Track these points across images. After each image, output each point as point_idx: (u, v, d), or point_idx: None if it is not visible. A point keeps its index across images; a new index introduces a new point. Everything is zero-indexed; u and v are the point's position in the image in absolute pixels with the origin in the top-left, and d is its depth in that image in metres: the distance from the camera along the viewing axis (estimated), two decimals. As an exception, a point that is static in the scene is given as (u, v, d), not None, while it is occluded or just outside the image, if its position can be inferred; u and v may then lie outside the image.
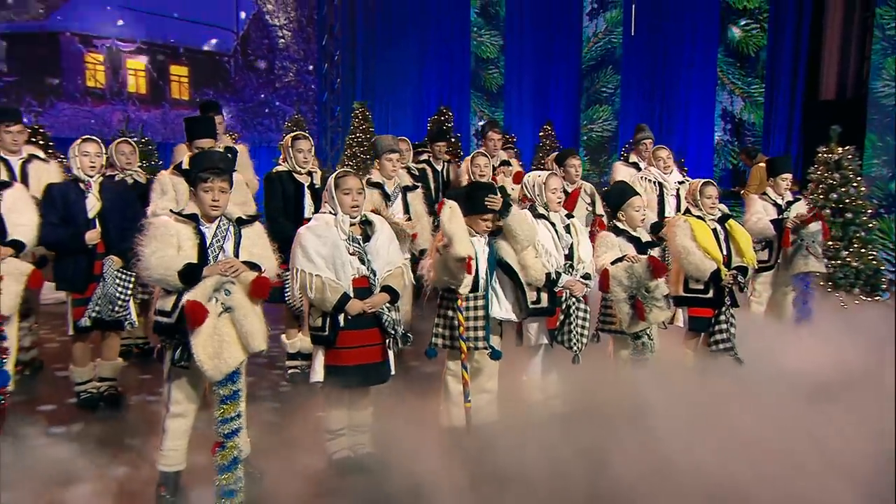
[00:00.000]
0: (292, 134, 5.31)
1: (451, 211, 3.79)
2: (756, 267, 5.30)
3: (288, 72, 14.90)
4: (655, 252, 4.68)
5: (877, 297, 7.03)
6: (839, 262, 6.99)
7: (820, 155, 7.28)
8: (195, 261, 3.14)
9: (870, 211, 7.19)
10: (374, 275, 3.56)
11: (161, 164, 9.55)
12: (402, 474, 3.41)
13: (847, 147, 7.16)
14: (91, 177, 4.48)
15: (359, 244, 3.54)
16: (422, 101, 14.78)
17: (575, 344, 4.14)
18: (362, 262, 3.54)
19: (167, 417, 3.29)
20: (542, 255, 4.14)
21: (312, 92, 15.17)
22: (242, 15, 14.28)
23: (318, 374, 3.51)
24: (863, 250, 7.02)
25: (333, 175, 3.62)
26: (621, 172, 6.95)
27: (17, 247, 4.20)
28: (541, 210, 4.28)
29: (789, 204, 6.10)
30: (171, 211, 3.29)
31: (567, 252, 4.27)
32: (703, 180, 5.17)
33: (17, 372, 5.10)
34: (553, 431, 3.81)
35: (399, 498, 3.28)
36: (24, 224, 4.27)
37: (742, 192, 8.93)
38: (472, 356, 3.93)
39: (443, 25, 14.57)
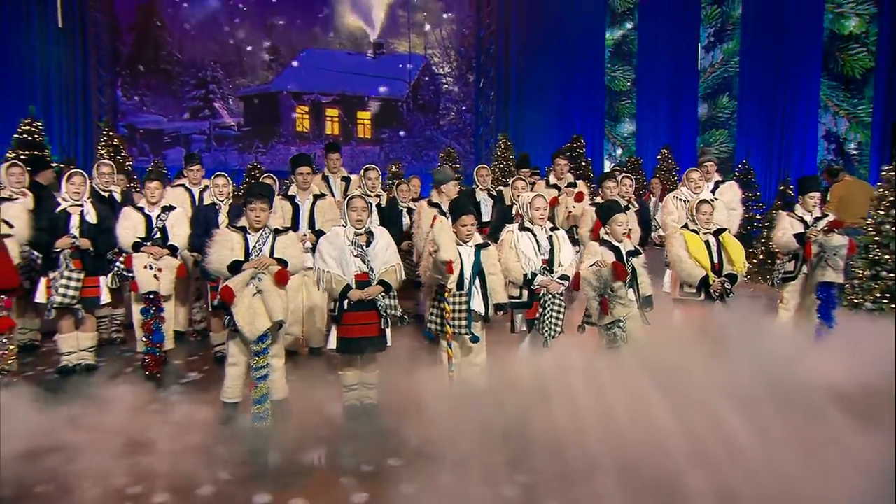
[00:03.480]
0: (366, 166, 6.15)
1: (442, 224, 4.41)
2: (745, 274, 5.21)
3: (450, 111, 16.01)
4: (640, 260, 4.89)
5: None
6: (897, 275, 6.41)
7: (884, 173, 6.74)
8: (242, 259, 4.09)
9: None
10: (373, 272, 4.23)
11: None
12: (391, 419, 4.15)
13: (913, 165, 6.55)
14: (221, 201, 5.68)
15: (362, 248, 4.25)
16: (564, 130, 15.12)
17: (547, 332, 4.52)
18: (363, 262, 4.24)
19: (227, 365, 4.26)
20: (521, 260, 4.60)
21: (470, 127, 16.15)
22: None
23: (331, 342, 4.29)
24: (923, 265, 6.37)
25: (347, 197, 4.39)
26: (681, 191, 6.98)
27: (173, 250, 5.50)
28: (527, 224, 4.73)
29: (816, 220, 5.82)
30: (228, 224, 4.25)
31: (548, 257, 4.67)
32: (699, 198, 5.25)
33: (193, 337, 6.53)
34: (522, 399, 4.26)
35: (382, 433, 4.01)
36: (179, 235, 5.56)
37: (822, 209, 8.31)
38: (460, 338, 4.48)
39: (581, 64, 14.82)
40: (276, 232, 4.27)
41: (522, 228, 4.71)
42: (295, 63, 14.83)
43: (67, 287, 5.05)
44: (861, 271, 6.61)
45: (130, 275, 5.31)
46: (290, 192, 5.91)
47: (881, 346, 4.79)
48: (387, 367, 4.51)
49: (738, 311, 4.90)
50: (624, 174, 7.25)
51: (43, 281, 5.05)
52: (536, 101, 15.41)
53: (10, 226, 4.84)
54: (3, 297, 4.77)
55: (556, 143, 14.86)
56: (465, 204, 4.62)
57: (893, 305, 6.36)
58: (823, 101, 9.82)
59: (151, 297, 5.26)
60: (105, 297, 5.38)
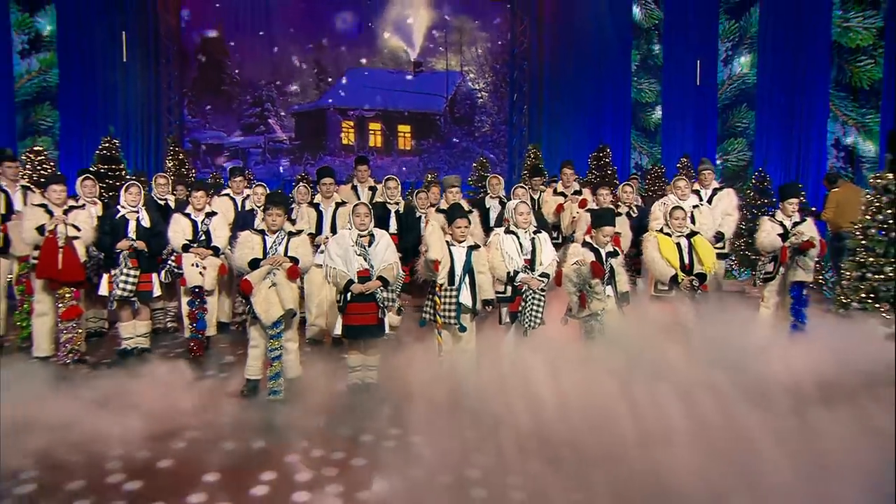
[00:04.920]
0: (386, 177, 6.63)
1: (432, 227, 4.86)
2: (712, 273, 5.43)
3: (485, 124, 16.42)
4: (618, 260, 5.22)
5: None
6: (883, 276, 6.49)
7: (872, 180, 6.82)
8: (260, 257, 4.65)
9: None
10: (373, 268, 4.72)
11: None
12: (388, 395, 4.61)
13: (898, 173, 6.61)
14: (259, 207, 6.28)
15: (364, 248, 4.73)
16: (593, 141, 15.28)
17: (527, 323, 4.89)
18: (365, 259, 4.72)
19: (249, 347, 4.83)
20: (505, 259, 5.00)
21: (504, 138, 16.52)
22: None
23: (337, 329, 4.80)
24: (907, 266, 6.42)
25: (352, 205, 4.89)
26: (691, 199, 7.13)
27: (216, 250, 6.12)
28: (512, 228, 5.12)
29: (795, 224, 6.00)
30: (251, 228, 4.83)
31: (531, 257, 5.05)
32: (674, 205, 5.53)
33: (235, 327, 7.14)
34: (500, 379, 4.65)
35: (382, 407, 4.48)
36: (221, 237, 6.17)
37: (821, 214, 8.35)
38: (450, 327, 4.91)
39: (608, 76, 14.99)
40: (290, 234, 4.81)
41: (508, 232, 5.10)
42: (341, 81, 15.57)
43: (126, 282, 5.68)
44: (849, 273, 6.71)
45: (180, 272, 5.96)
46: (314, 201, 6.48)
47: (842, 343, 4.98)
48: (386, 352, 4.98)
49: (707, 307, 5.17)
50: (625, 182, 7.52)
51: (105, 277, 5.72)
52: (567, 113, 15.66)
53: (78, 229, 5.54)
54: (72, 288, 5.50)
55: (586, 152, 15.04)
56: (459, 209, 5.07)
57: (878, 305, 6.45)
58: (833, 111, 9.80)
59: (197, 290, 5.90)
60: (157, 291, 6.01)
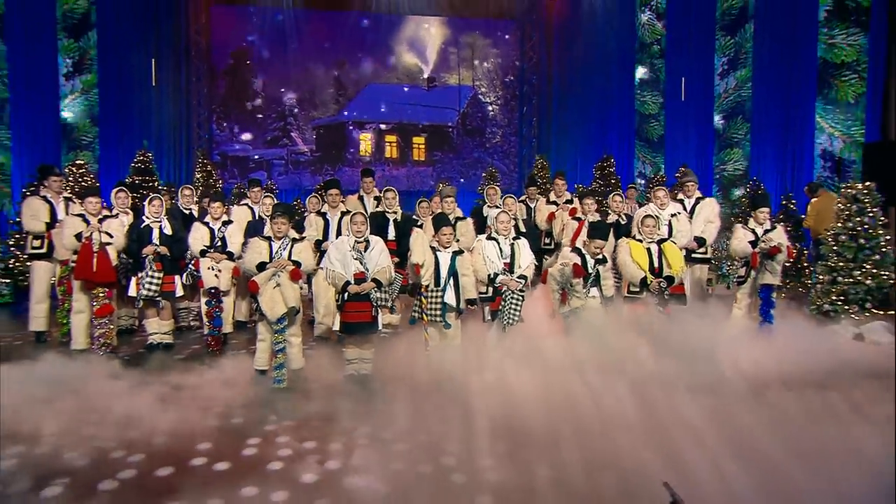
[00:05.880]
0: (385, 188, 7.05)
1: (416, 233, 5.28)
2: (681, 276, 5.72)
3: (496, 135, 16.81)
4: (605, 267, 5.57)
5: (889, 312, 6.58)
6: (851, 280, 6.73)
7: (843, 190, 7.06)
8: (267, 261, 5.11)
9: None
10: (368, 271, 5.15)
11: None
12: (380, 383, 5.02)
13: (868, 183, 6.86)
14: (269, 216, 6.75)
15: (360, 253, 5.17)
16: (598, 151, 15.58)
17: (506, 320, 5.27)
18: (361, 263, 5.16)
19: (257, 341, 5.29)
20: (487, 263, 5.39)
21: (514, 149, 16.89)
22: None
23: (336, 325, 5.23)
24: (874, 271, 6.65)
25: (350, 213, 5.33)
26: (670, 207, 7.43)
27: (230, 255, 6.61)
28: (493, 234, 5.52)
29: (766, 231, 6.27)
30: (260, 235, 5.30)
31: (510, 261, 5.44)
32: (645, 213, 5.86)
33: (250, 325, 7.61)
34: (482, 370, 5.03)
35: (373, 394, 4.86)
36: (235, 243, 6.64)
37: (803, 221, 8.57)
38: (436, 324, 5.31)
39: (613, 89, 15.29)
40: (294, 240, 5.27)
41: (489, 238, 5.50)
42: (360, 96, 16.13)
43: (151, 283, 6.19)
44: (821, 277, 6.96)
45: (199, 274, 6.46)
46: (322, 210, 6.93)
47: (799, 341, 5.26)
48: (380, 346, 5.40)
49: (681, 308, 5.49)
50: (615, 192, 7.84)
51: (133, 279, 6.25)
52: (574, 124, 16.00)
53: (111, 236, 6.08)
54: (105, 289, 6.03)
55: (592, 162, 15.36)
56: (444, 218, 5.49)
57: (847, 307, 6.69)
58: (820, 123, 10.00)
59: (213, 291, 6.39)
60: (179, 291, 6.50)
